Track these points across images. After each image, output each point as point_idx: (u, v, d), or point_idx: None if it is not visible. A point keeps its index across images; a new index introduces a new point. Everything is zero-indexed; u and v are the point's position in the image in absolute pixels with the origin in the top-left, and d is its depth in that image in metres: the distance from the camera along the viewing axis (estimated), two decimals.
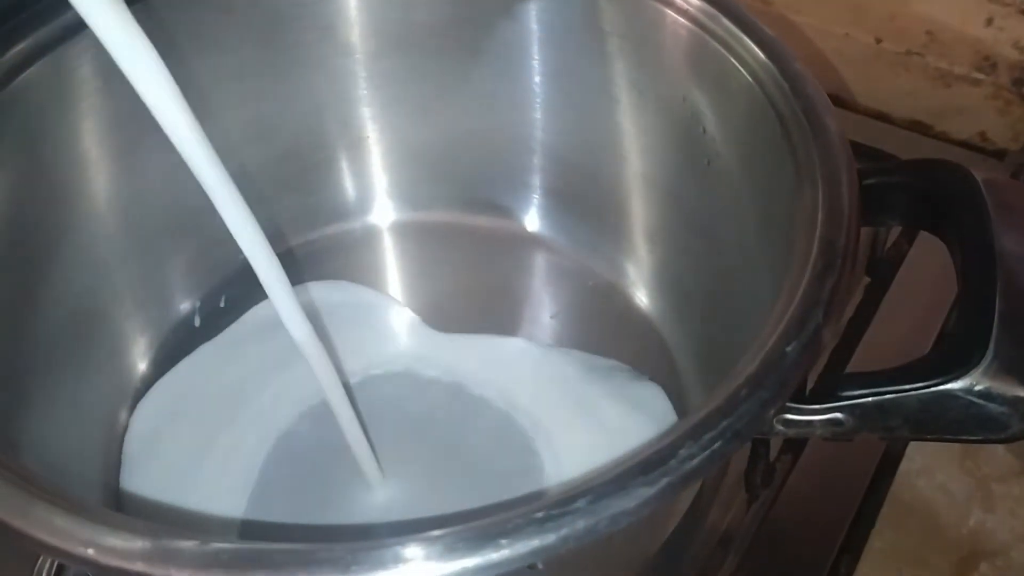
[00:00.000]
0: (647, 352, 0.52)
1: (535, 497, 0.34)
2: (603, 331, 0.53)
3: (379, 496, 0.46)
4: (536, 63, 0.52)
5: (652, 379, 0.51)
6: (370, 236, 0.58)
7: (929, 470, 0.51)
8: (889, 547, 0.48)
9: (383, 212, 0.59)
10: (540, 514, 0.29)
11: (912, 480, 0.50)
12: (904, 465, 0.50)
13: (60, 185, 0.46)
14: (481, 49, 0.52)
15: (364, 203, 0.59)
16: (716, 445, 0.30)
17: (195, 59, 0.48)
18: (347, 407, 0.43)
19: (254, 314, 0.54)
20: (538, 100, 0.53)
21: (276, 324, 0.40)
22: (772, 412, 0.32)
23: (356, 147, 0.57)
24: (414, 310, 0.55)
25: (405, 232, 0.58)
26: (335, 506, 0.46)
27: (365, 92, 0.55)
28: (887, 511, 0.49)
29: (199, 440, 0.50)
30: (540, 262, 0.56)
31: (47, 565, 0.43)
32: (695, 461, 0.30)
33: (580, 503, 0.29)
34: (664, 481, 0.30)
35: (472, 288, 0.56)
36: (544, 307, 0.55)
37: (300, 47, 0.52)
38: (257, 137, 0.53)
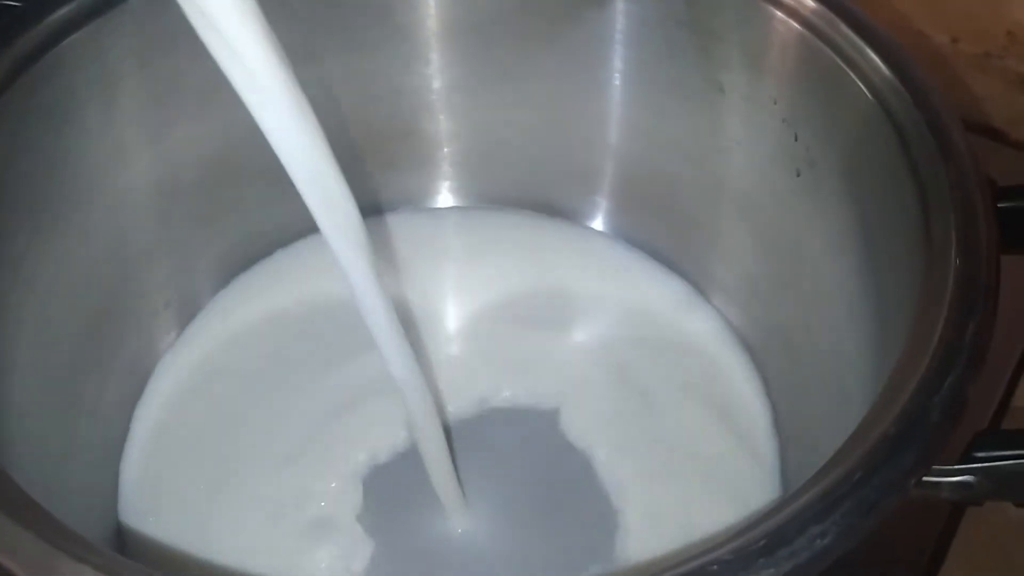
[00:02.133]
0: (724, 376, 0.49)
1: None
2: (678, 351, 0.50)
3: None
4: (616, 58, 0.48)
5: (745, 409, 0.47)
6: (426, 228, 0.55)
7: (1001, 505, 0.46)
8: None
9: (441, 204, 0.56)
10: None
11: (984, 515, 0.48)
12: None
13: (88, 171, 0.43)
14: (556, 38, 0.48)
15: (419, 194, 0.56)
16: (851, 521, 0.26)
17: None
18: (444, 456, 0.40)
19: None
20: (614, 98, 0.50)
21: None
22: (914, 481, 0.27)
23: (410, 137, 0.53)
24: (471, 308, 0.52)
25: (462, 226, 0.55)
26: None
27: (419, 80, 0.51)
28: (956, 548, 0.47)
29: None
30: (604, 269, 0.53)
31: None
32: (827, 539, 0.26)
33: None
34: (790, 565, 0.26)
35: (530, 291, 0.52)
36: (608, 319, 0.51)
37: (352, 30, 0.48)
38: None
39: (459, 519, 0.44)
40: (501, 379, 0.49)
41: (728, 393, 0.48)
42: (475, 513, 0.44)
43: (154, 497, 0.44)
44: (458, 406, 0.48)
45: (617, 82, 0.49)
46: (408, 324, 0.49)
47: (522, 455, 0.47)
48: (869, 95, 0.39)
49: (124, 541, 0.43)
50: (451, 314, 0.52)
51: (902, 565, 0.46)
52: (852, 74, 0.39)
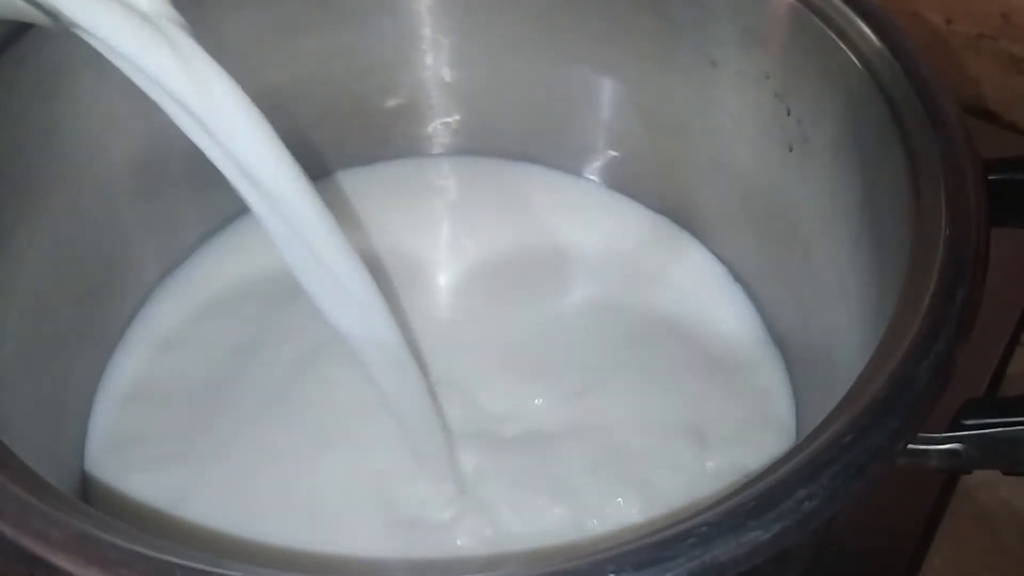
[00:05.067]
0: (722, 345, 0.48)
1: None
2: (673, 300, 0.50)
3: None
4: (609, 34, 0.48)
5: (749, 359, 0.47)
6: (421, 182, 0.55)
7: (991, 484, 0.49)
8: (949, 564, 0.47)
9: (436, 159, 0.56)
10: (642, 556, 0.25)
11: (973, 494, 0.49)
12: (965, 478, 0.49)
13: (78, 143, 0.43)
14: (548, 14, 0.48)
15: (414, 147, 0.56)
16: (838, 483, 0.26)
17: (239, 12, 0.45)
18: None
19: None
20: (606, 73, 0.50)
21: None
22: (901, 445, 0.27)
23: (402, 112, 0.54)
24: (462, 264, 0.51)
25: (456, 184, 0.55)
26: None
27: (412, 56, 0.51)
28: (947, 526, 0.48)
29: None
30: (597, 237, 0.52)
31: None
32: (815, 502, 0.26)
33: (689, 542, 0.26)
34: (779, 526, 0.26)
35: (525, 248, 0.52)
36: (604, 271, 0.51)
37: (346, 5, 0.49)
38: (305, 94, 0.50)
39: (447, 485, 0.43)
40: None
41: (730, 347, 0.48)
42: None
43: (121, 454, 0.44)
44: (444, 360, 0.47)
45: (610, 58, 0.49)
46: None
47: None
48: (860, 66, 0.38)
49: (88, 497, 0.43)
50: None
51: (891, 544, 0.46)
52: (843, 45, 0.39)
